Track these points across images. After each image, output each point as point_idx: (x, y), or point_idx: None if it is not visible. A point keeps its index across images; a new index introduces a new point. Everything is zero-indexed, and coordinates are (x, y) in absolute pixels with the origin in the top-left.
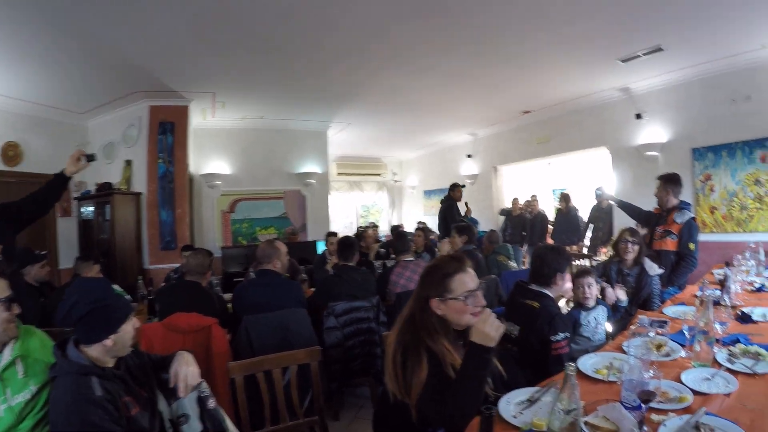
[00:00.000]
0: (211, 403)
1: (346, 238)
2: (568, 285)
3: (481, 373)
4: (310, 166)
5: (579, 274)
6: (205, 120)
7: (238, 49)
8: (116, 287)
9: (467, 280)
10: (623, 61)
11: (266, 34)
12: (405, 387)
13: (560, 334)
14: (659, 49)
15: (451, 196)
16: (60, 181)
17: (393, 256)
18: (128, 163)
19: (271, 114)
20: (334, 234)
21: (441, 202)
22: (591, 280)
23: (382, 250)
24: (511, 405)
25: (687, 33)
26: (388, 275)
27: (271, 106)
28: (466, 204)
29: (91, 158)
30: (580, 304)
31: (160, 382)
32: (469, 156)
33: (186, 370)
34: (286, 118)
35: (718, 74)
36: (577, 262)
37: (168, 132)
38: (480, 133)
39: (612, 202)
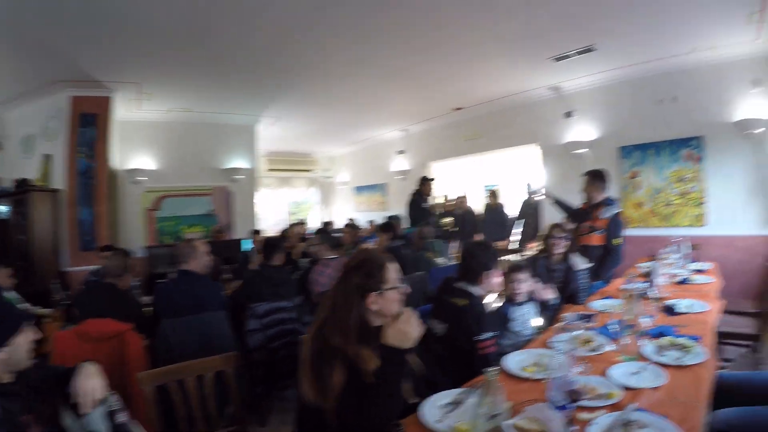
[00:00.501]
0: (122, 417)
1: (271, 237)
2: (496, 281)
3: (397, 376)
4: (238, 162)
5: (511, 270)
6: (129, 112)
7: (164, 38)
8: (12, 294)
9: (392, 267)
10: (556, 59)
11: (193, 24)
12: (321, 392)
13: (487, 333)
14: (591, 49)
15: (421, 191)
16: None
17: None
18: (47, 157)
19: (199, 107)
20: (258, 231)
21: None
22: (522, 276)
23: (313, 247)
24: (435, 408)
25: (619, 34)
26: (309, 274)
27: (199, 99)
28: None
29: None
30: (510, 299)
31: (66, 396)
32: (400, 152)
33: (88, 383)
34: (215, 112)
35: (647, 76)
36: (506, 258)
37: (90, 124)
38: (412, 129)
39: (543, 197)
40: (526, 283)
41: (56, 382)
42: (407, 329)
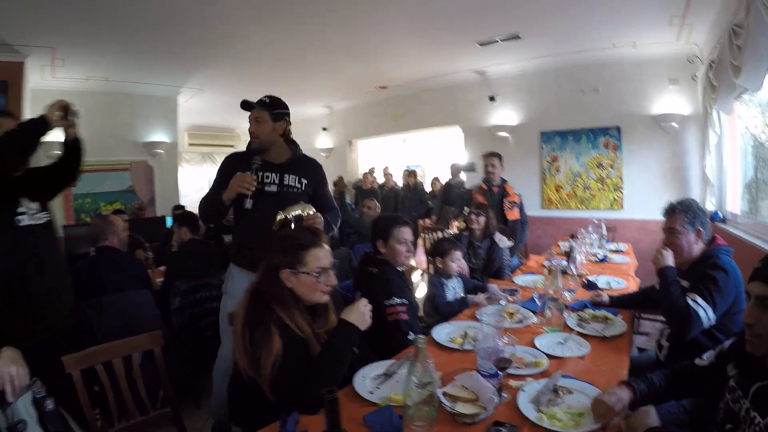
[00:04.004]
0: (50, 404)
1: (190, 211)
2: (397, 250)
3: (347, 351)
4: (159, 135)
5: (448, 246)
6: (43, 80)
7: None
8: None
9: (322, 255)
10: (481, 44)
11: None
12: (254, 365)
13: (395, 298)
14: (517, 37)
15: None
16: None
17: None
18: None
19: (117, 76)
20: (182, 207)
21: None
22: (457, 253)
23: None
24: (366, 380)
25: (545, 25)
26: None
27: (117, 66)
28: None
29: (74, 114)
30: (441, 273)
31: None
32: (324, 129)
33: (11, 369)
34: (133, 81)
35: (571, 66)
36: (430, 235)
37: (0, 92)
38: (336, 106)
39: (463, 178)
40: (459, 261)
41: None
42: (365, 313)
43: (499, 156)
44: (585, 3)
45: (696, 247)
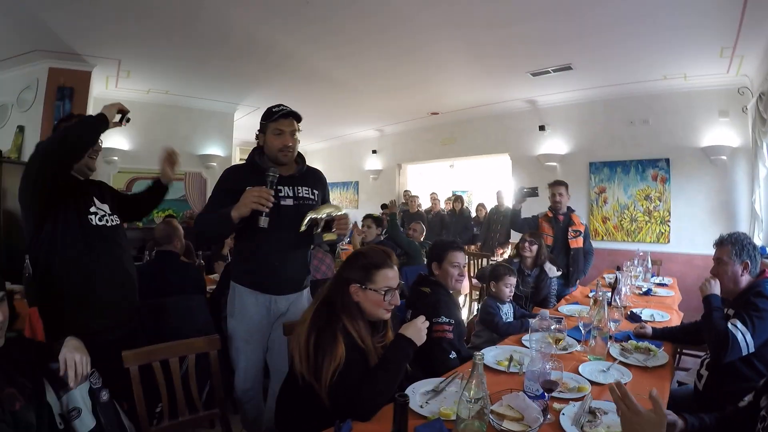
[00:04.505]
0: (105, 395)
1: None
2: (450, 273)
3: (402, 363)
4: (214, 149)
5: (503, 272)
6: (107, 89)
7: (149, 15)
8: None
9: (391, 276)
10: (533, 74)
11: (180, 4)
12: (315, 370)
13: (443, 317)
14: (569, 68)
15: None
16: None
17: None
18: (21, 129)
19: (178, 90)
20: None
21: None
22: (512, 280)
23: None
24: (416, 395)
25: (596, 56)
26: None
27: (179, 81)
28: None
29: (127, 120)
30: (497, 298)
31: (47, 372)
32: (374, 152)
33: (75, 356)
34: (193, 96)
35: (621, 97)
36: (475, 261)
37: (66, 98)
38: (387, 129)
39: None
40: (511, 287)
41: (38, 357)
42: (422, 329)
43: (566, 185)
44: (637, 35)
45: (742, 278)
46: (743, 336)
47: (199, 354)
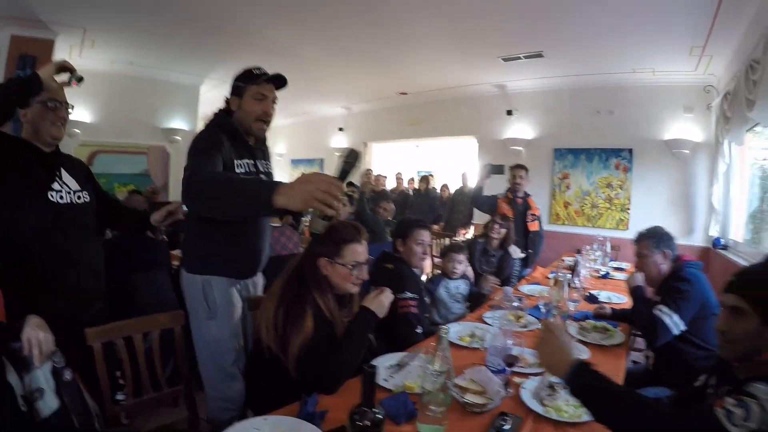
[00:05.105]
0: (68, 374)
1: None
2: (414, 250)
3: (366, 335)
4: (178, 123)
5: (451, 249)
6: (71, 59)
7: None
8: None
9: (359, 251)
10: (505, 60)
11: None
12: (283, 342)
13: (408, 293)
14: (540, 55)
15: None
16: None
17: None
18: None
19: (143, 61)
20: None
21: None
22: (460, 256)
23: None
24: (381, 369)
25: (568, 46)
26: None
27: (144, 52)
28: None
29: (79, 79)
30: (445, 275)
31: (8, 352)
32: (341, 129)
33: (39, 335)
34: (159, 68)
35: (589, 87)
36: (438, 241)
37: (28, 67)
38: (354, 107)
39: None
40: (462, 265)
41: None
42: (385, 302)
43: (526, 169)
44: (610, 28)
45: (664, 266)
46: (670, 318)
47: (163, 330)
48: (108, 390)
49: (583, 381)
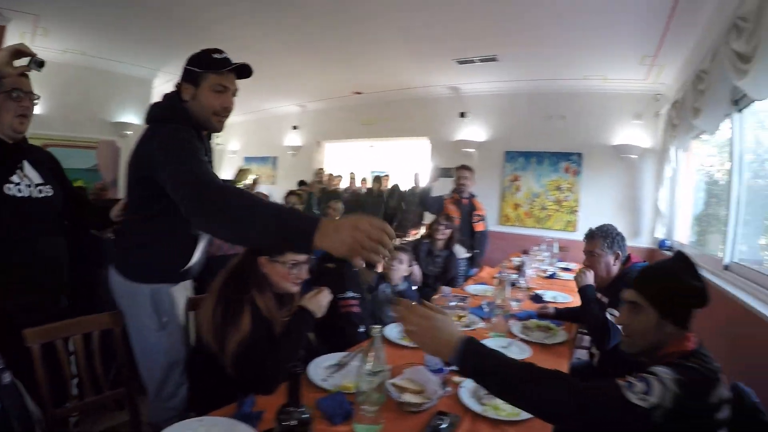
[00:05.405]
0: (7, 377)
1: None
2: None
3: (303, 334)
4: (130, 117)
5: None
6: None
7: None
8: None
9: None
10: (459, 62)
11: None
12: (221, 340)
13: (349, 292)
14: (494, 59)
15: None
16: None
17: None
18: None
19: (95, 51)
20: None
21: None
22: (403, 257)
23: None
24: (320, 369)
25: (522, 51)
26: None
27: (98, 42)
28: None
29: (38, 64)
30: (386, 278)
31: None
32: (295, 127)
33: None
34: (111, 59)
35: (541, 92)
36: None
37: None
38: (309, 106)
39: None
40: (404, 265)
41: None
42: (323, 302)
43: (471, 169)
44: (563, 35)
45: (614, 267)
46: None
47: (104, 331)
48: (48, 394)
49: (474, 359)
